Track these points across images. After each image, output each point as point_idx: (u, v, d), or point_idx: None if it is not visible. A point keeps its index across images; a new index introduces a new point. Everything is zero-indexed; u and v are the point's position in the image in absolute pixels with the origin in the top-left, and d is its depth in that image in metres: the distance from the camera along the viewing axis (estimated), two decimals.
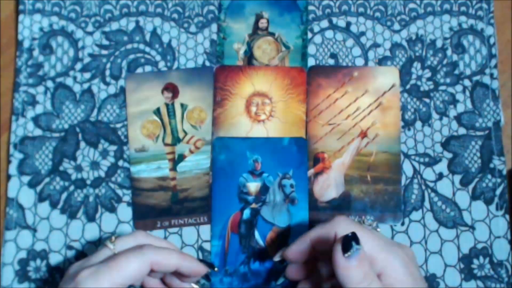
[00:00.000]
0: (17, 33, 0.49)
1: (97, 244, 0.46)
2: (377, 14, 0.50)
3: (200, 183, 0.47)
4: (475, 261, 0.45)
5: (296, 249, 0.40)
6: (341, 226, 0.37)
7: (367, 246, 0.36)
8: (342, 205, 0.46)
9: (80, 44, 0.49)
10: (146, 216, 0.46)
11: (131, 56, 0.49)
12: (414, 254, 0.38)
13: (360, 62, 0.49)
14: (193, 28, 0.50)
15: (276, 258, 0.42)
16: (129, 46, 0.49)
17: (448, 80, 0.49)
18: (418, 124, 0.48)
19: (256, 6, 0.50)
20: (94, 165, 0.47)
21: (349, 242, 0.34)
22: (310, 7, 0.50)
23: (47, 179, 0.46)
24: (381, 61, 0.49)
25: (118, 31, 0.49)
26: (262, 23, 0.50)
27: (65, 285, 0.36)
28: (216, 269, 0.41)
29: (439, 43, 0.49)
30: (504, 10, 0.51)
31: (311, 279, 0.42)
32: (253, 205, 0.46)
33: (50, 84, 0.48)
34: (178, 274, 0.40)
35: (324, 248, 0.38)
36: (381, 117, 0.48)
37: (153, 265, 0.36)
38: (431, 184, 0.47)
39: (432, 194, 0.47)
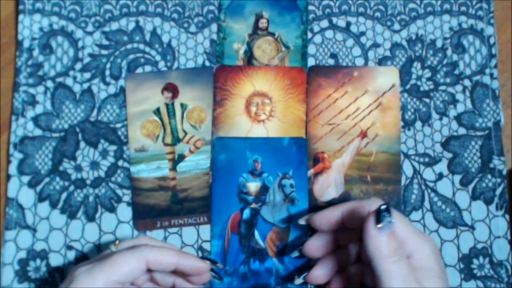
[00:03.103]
0: (17, 33, 0.49)
1: (97, 244, 0.46)
2: (377, 14, 0.50)
3: (200, 183, 0.47)
4: (475, 261, 0.45)
5: (325, 216, 0.40)
6: (375, 205, 0.37)
7: (399, 227, 0.36)
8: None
9: (80, 44, 0.49)
10: (146, 216, 0.46)
11: (131, 56, 0.49)
12: (439, 249, 0.39)
13: (360, 62, 0.49)
14: (193, 28, 0.50)
15: (302, 221, 0.42)
16: (129, 46, 0.49)
17: (448, 80, 0.49)
18: (418, 124, 0.48)
19: (256, 6, 0.50)
20: (94, 165, 0.47)
21: (383, 213, 0.34)
22: (310, 7, 0.50)
23: (47, 179, 0.46)
24: (381, 61, 0.49)
25: (118, 31, 0.49)
26: (262, 23, 0.50)
27: (64, 281, 0.36)
28: (219, 264, 0.41)
29: (439, 43, 0.49)
30: (504, 10, 0.51)
31: (327, 262, 0.42)
32: (253, 205, 0.46)
33: (50, 84, 0.48)
34: (183, 275, 0.40)
35: (353, 224, 0.39)
36: (381, 117, 0.48)
37: (150, 263, 0.37)
38: (431, 184, 0.47)
39: (432, 194, 0.47)
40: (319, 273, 0.42)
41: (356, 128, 0.48)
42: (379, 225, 0.34)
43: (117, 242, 0.38)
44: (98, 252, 0.45)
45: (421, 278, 0.35)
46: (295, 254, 0.44)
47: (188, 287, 0.40)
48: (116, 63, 0.49)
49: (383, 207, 0.35)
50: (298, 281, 0.43)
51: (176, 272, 0.39)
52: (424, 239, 0.37)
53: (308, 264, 0.45)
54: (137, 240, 0.39)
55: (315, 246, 0.42)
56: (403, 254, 0.35)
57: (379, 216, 0.35)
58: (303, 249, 0.42)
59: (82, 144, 0.47)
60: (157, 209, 0.46)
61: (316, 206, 0.46)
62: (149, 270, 0.38)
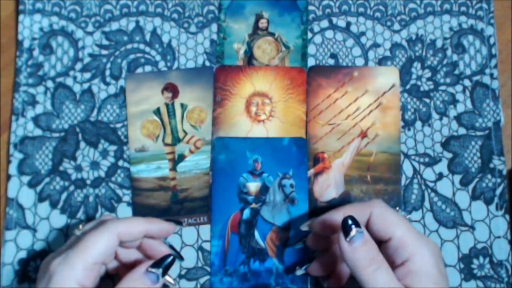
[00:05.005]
0: (17, 33, 0.49)
1: None
2: (377, 14, 0.50)
3: (200, 183, 0.47)
4: (475, 261, 0.45)
5: (327, 221, 0.40)
6: (377, 208, 0.37)
7: (400, 230, 0.36)
8: (342, 205, 0.46)
9: (80, 44, 0.49)
10: (146, 216, 0.46)
11: (131, 56, 0.49)
12: (440, 251, 0.38)
13: (360, 62, 0.49)
14: (193, 28, 0.50)
15: (304, 227, 0.42)
16: (129, 46, 0.49)
17: (448, 80, 0.49)
18: (418, 124, 0.48)
19: (256, 6, 0.50)
20: (94, 165, 0.47)
21: (349, 225, 0.34)
22: (310, 7, 0.50)
23: (47, 179, 0.46)
24: (381, 61, 0.49)
25: (118, 31, 0.49)
26: (262, 23, 0.50)
27: (40, 279, 0.35)
28: (185, 224, 0.42)
29: (439, 43, 0.49)
30: (504, 10, 0.51)
31: (329, 254, 0.42)
32: (253, 205, 0.46)
33: (50, 84, 0.48)
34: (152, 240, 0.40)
35: None
36: (381, 117, 0.48)
37: (121, 235, 0.37)
38: (431, 184, 0.47)
39: (432, 194, 0.47)
40: (320, 264, 0.42)
41: (356, 128, 0.48)
42: (348, 238, 0.34)
43: (80, 226, 0.38)
44: None
45: (414, 282, 0.35)
46: (299, 246, 0.44)
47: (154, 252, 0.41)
48: (116, 63, 0.49)
49: (348, 220, 0.34)
50: (300, 272, 0.43)
51: (140, 248, 0.40)
52: (424, 242, 0.36)
53: (308, 257, 0.45)
54: (100, 219, 0.39)
55: (318, 238, 0.42)
56: (382, 261, 0.34)
57: (346, 227, 0.34)
58: (307, 241, 0.43)
59: (82, 144, 0.47)
60: (157, 209, 0.46)
61: (316, 207, 0.46)
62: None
